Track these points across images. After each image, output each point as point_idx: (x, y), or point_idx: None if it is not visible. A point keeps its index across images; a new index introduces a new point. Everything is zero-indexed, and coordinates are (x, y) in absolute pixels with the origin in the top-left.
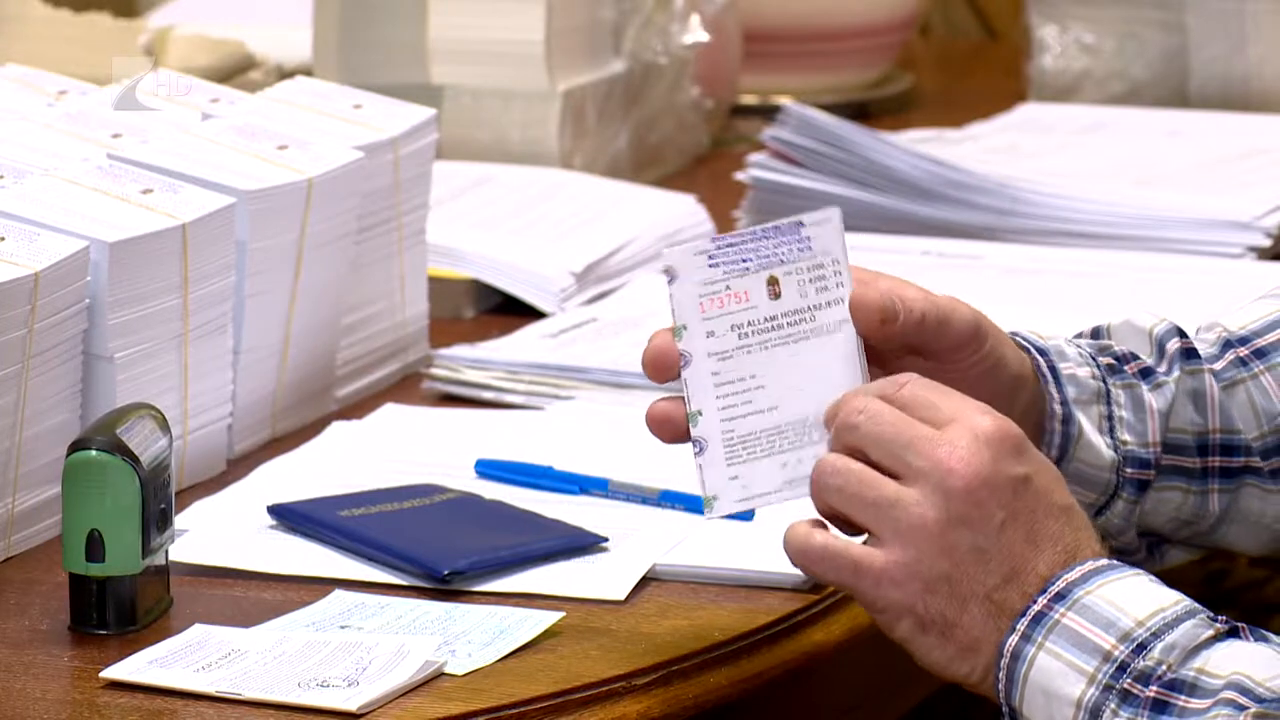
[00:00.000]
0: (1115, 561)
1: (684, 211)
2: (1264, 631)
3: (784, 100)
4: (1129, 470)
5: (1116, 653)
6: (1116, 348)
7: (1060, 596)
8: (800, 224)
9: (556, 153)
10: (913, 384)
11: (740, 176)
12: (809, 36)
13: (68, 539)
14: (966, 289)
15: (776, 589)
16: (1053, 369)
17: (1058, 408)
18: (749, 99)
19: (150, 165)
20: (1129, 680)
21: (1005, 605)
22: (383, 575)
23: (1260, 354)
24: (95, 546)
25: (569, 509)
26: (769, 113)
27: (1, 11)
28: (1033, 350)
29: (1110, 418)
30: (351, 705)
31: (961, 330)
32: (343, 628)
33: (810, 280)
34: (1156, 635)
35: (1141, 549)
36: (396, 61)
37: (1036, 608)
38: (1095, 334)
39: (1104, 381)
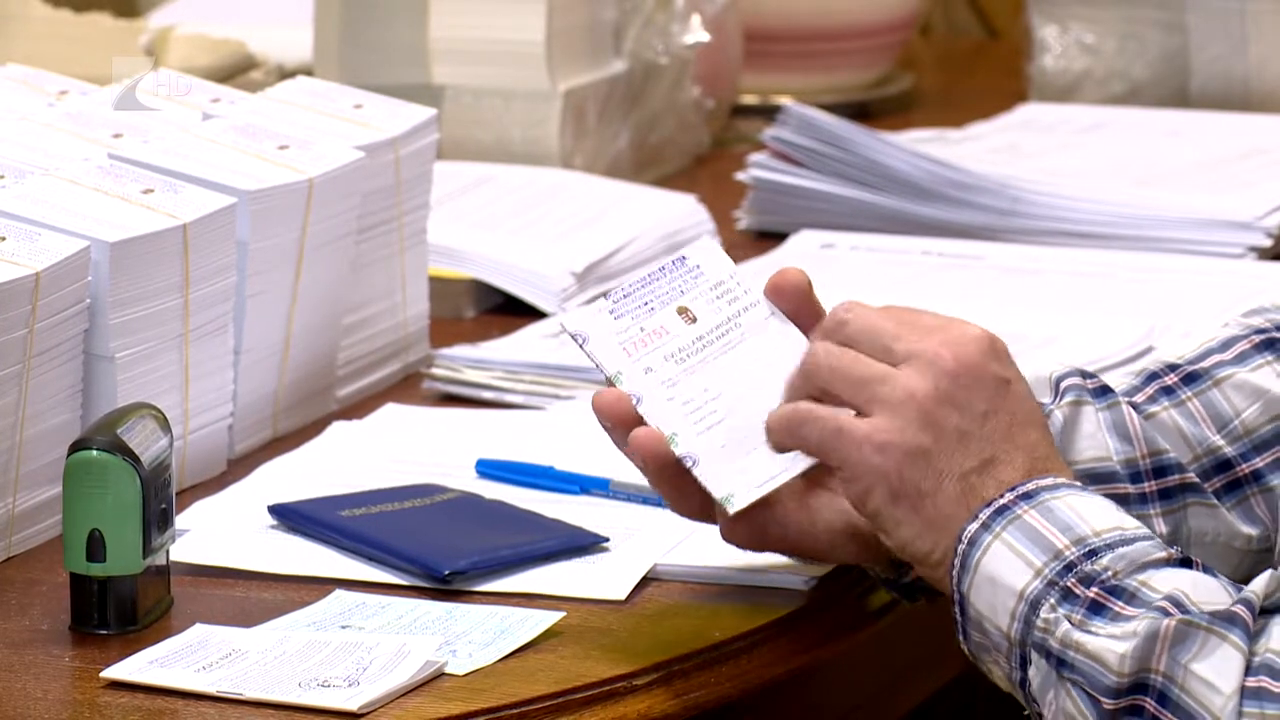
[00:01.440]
0: (1087, 485)
1: (685, 211)
2: (1216, 572)
3: (785, 100)
4: None
5: (1067, 553)
6: None
7: (1027, 495)
8: (683, 258)
9: (557, 153)
10: (870, 315)
11: (741, 176)
12: (810, 36)
13: (68, 539)
14: (967, 289)
15: (776, 589)
16: None
17: None
18: (750, 99)
19: (151, 165)
20: (1073, 579)
21: (977, 490)
22: (383, 575)
23: (1190, 379)
24: (96, 546)
25: (570, 509)
26: (770, 113)
27: (2, 11)
28: None
29: None
30: (352, 705)
31: None
32: (343, 628)
33: (718, 297)
34: (1110, 546)
35: None
36: (397, 61)
37: (1002, 501)
38: None
39: None
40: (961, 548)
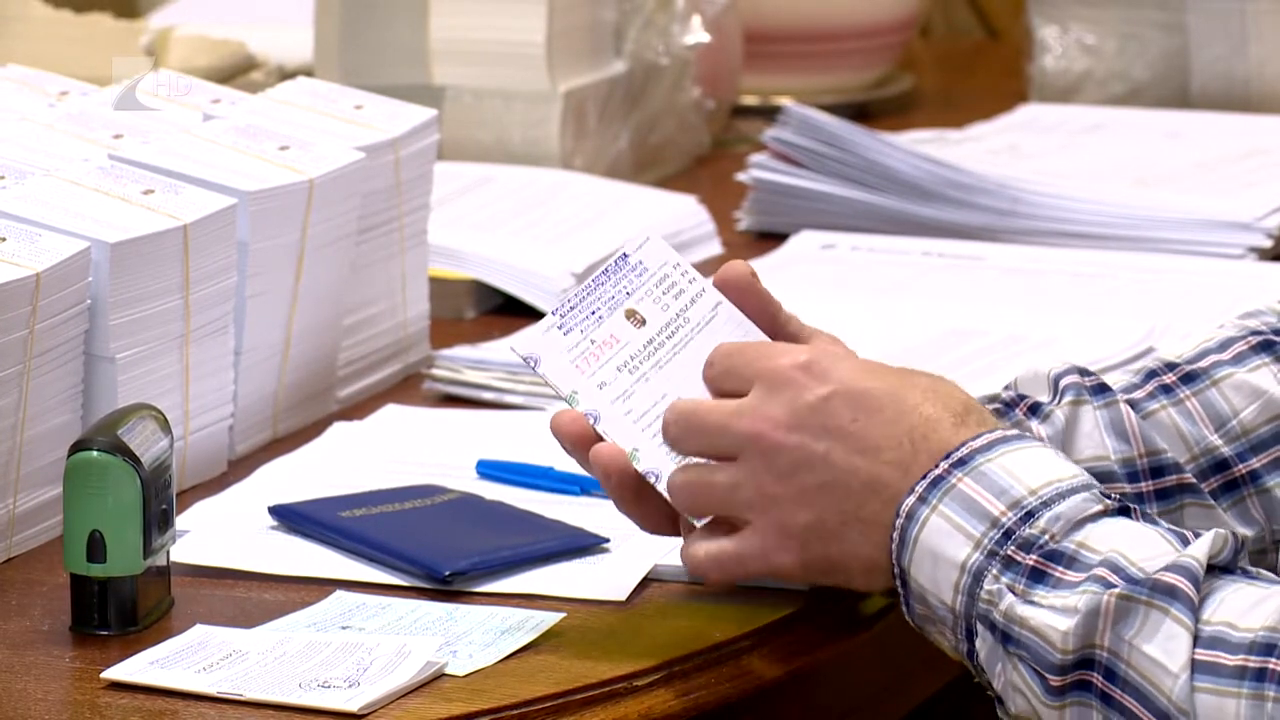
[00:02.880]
0: (1023, 433)
1: (685, 212)
2: (1155, 516)
3: (785, 101)
4: None
5: (1004, 519)
6: (1005, 394)
7: (961, 462)
8: (624, 255)
9: (558, 153)
10: (716, 361)
11: (741, 177)
12: (810, 37)
13: (69, 540)
14: (967, 290)
15: (777, 589)
16: None
17: None
18: (750, 99)
19: (151, 166)
20: (1012, 547)
21: (876, 519)
22: (384, 576)
23: (1188, 379)
24: (96, 547)
25: (570, 510)
26: (770, 113)
27: (3, 12)
28: None
29: None
30: (353, 706)
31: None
32: (344, 628)
33: (664, 293)
34: (1046, 504)
35: None
36: (398, 62)
37: (937, 471)
38: (1006, 388)
39: None
40: (900, 522)
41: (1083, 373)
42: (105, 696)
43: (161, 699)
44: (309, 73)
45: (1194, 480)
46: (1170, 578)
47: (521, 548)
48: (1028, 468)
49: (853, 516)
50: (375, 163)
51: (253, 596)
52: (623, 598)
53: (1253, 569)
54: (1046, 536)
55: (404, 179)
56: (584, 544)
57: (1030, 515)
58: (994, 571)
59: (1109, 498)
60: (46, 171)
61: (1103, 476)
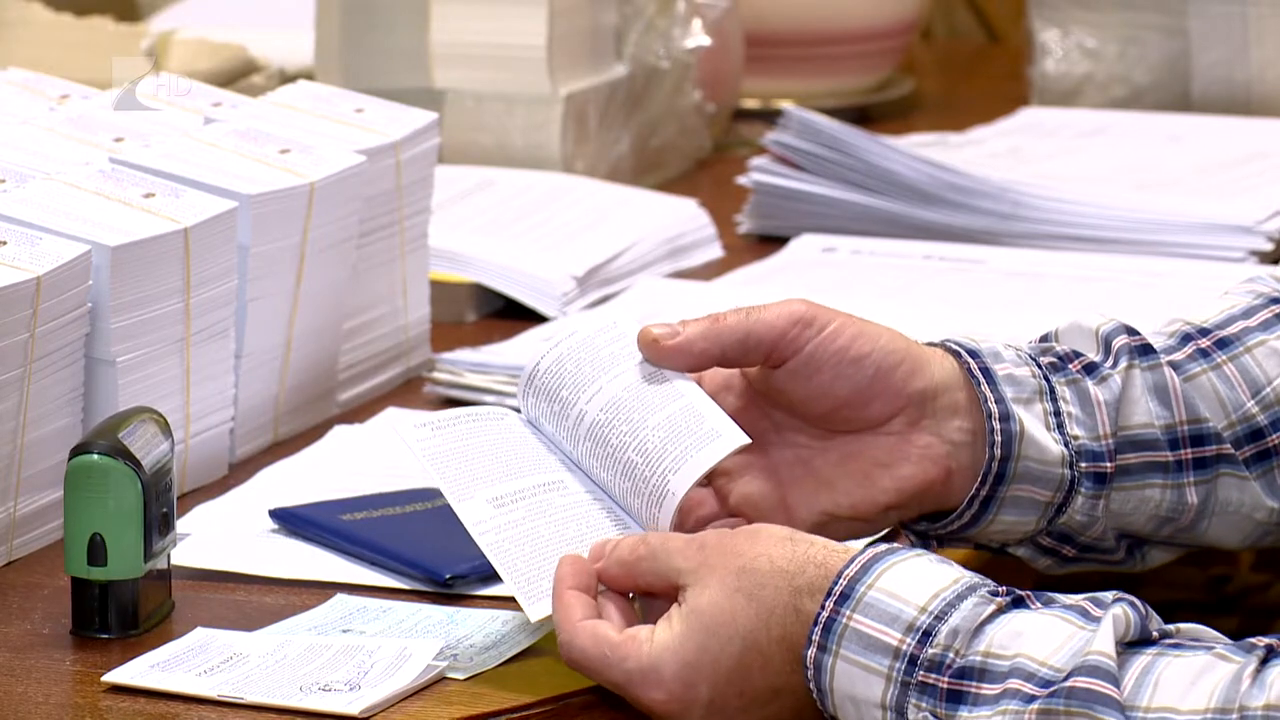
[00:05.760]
0: (892, 545)
1: (686, 215)
2: (1052, 595)
3: (786, 104)
4: (1083, 465)
5: (904, 647)
6: (1059, 348)
7: (844, 598)
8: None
9: (558, 157)
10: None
11: (742, 180)
12: (811, 40)
13: (69, 543)
14: (968, 293)
15: None
16: (985, 370)
17: (994, 406)
18: (751, 103)
19: (152, 169)
20: (922, 672)
21: (792, 688)
22: (385, 579)
23: (1222, 344)
24: (97, 550)
25: None
26: (771, 117)
27: (3, 16)
28: (963, 353)
29: (1058, 414)
30: (354, 709)
31: (766, 334)
32: (345, 631)
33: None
34: (939, 618)
35: (1120, 550)
36: (398, 65)
37: (825, 614)
38: (1044, 338)
39: (1046, 380)
40: (810, 673)
41: (1130, 331)
42: (106, 700)
43: (162, 702)
44: (310, 76)
45: (1232, 451)
46: (1084, 682)
47: None
48: (909, 586)
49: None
50: (376, 166)
51: (253, 600)
52: None
53: (1169, 627)
54: (951, 653)
55: (405, 182)
56: None
57: (928, 635)
58: (913, 700)
59: (997, 594)
60: (47, 175)
61: (1147, 443)
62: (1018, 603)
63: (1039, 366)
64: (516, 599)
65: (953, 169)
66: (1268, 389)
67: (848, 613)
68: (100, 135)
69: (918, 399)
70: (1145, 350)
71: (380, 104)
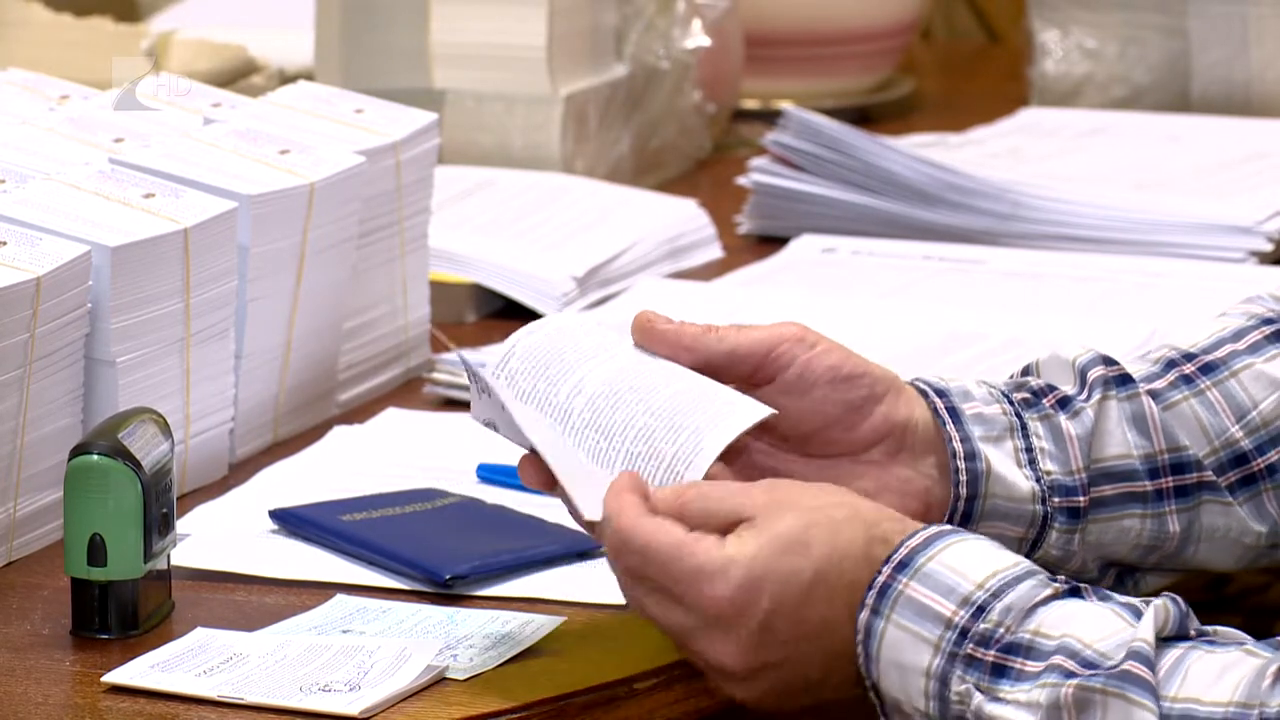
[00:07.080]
0: (958, 528)
1: (686, 216)
2: (1108, 592)
3: (785, 105)
4: (1056, 500)
5: (957, 619)
6: (1034, 382)
7: (903, 565)
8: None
9: (558, 157)
10: (628, 559)
11: (742, 181)
12: (811, 41)
13: (69, 543)
14: (968, 293)
15: None
16: (952, 409)
17: (958, 445)
18: (750, 103)
19: (152, 169)
20: (971, 645)
21: (842, 671)
22: (385, 579)
23: (1207, 369)
24: (97, 551)
25: None
26: (770, 117)
27: (3, 16)
28: (930, 392)
29: (1029, 450)
30: (354, 710)
31: (755, 348)
32: (345, 632)
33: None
34: (996, 596)
35: (1108, 579)
36: (398, 66)
37: (882, 578)
38: (1024, 371)
39: (1018, 416)
40: (860, 637)
41: (1107, 362)
42: (106, 700)
43: (162, 702)
44: (310, 76)
45: (1214, 478)
46: (1124, 664)
47: (522, 551)
48: (969, 562)
49: (817, 683)
50: (376, 166)
51: (253, 600)
52: (624, 601)
53: (1208, 628)
54: (1002, 629)
55: (405, 183)
56: (584, 548)
57: (982, 610)
58: (958, 673)
59: (1055, 580)
60: (47, 175)
61: (1125, 474)
62: (1074, 592)
63: (1011, 403)
64: (573, 497)
65: (952, 169)
66: (1253, 413)
67: (904, 579)
68: (100, 135)
69: (899, 430)
70: (1123, 380)
71: (380, 104)
